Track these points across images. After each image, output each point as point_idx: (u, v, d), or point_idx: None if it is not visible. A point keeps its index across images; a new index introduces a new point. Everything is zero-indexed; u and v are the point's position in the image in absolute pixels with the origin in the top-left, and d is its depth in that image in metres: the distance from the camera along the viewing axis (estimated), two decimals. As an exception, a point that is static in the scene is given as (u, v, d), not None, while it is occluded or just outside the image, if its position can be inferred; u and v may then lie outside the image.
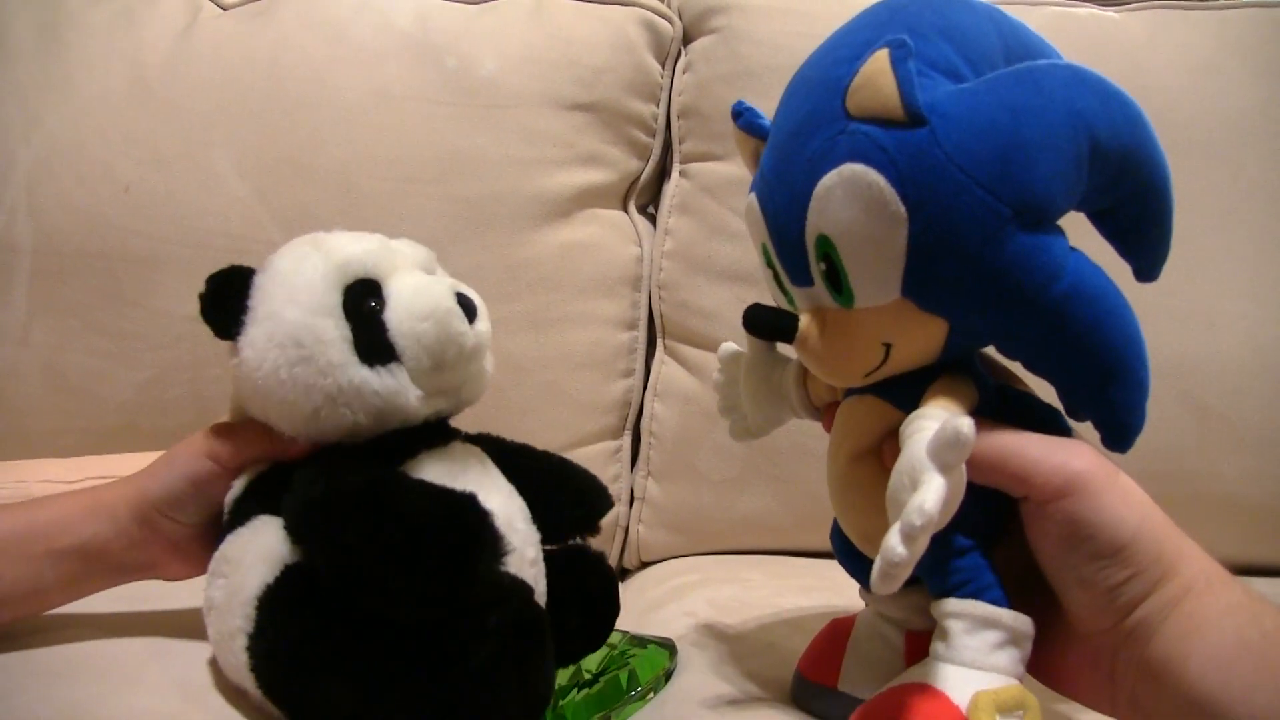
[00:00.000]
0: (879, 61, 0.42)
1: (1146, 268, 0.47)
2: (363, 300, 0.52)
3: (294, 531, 0.50)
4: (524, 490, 0.57)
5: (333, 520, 0.47)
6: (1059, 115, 0.41)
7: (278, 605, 0.49)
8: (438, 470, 0.53)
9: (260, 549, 0.51)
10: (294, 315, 0.50)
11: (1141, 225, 0.45)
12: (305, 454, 0.53)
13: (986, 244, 0.41)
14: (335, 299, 0.51)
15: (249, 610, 0.49)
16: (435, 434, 0.56)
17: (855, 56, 0.44)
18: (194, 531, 0.57)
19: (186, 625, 0.61)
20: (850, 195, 0.42)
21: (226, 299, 0.53)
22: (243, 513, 0.54)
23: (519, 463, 0.59)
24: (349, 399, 0.51)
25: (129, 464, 0.76)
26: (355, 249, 0.53)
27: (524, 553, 0.53)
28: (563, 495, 0.60)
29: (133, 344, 0.88)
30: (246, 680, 0.50)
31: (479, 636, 0.48)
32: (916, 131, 0.41)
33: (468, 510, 0.48)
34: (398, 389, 0.51)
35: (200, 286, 0.56)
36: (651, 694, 0.60)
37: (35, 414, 0.89)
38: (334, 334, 0.50)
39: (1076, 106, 0.41)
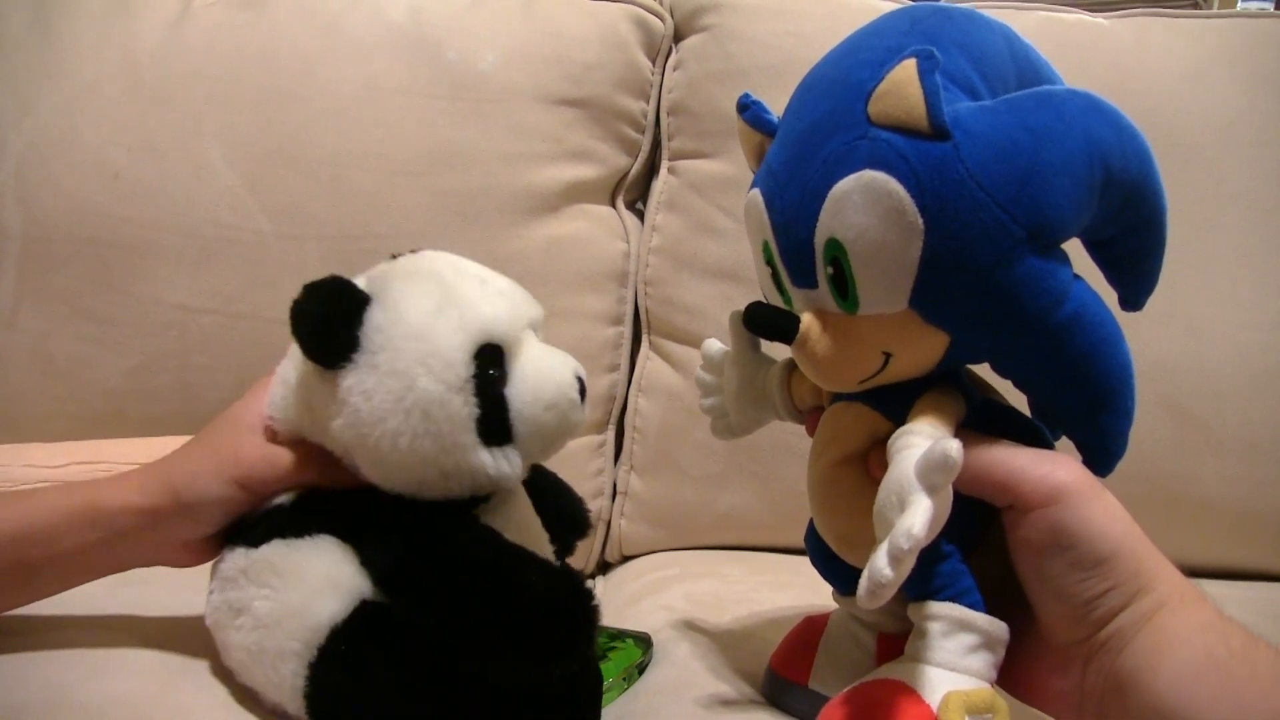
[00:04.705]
0: (906, 70, 0.42)
1: (1133, 297, 0.48)
2: (489, 370, 0.49)
3: (391, 579, 0.49)
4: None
5: (443, 581, 0.47)
6: (1078, 142, 0.41)
7: (353, 641, 0.48)
8: (504, 516, 0.53)
9: (326, 574, 0.50)
10: (429, 387, 0.47)
11: (1136, 256, 0.46)
12: (360, 485, 0.51)
13: (998, 263, 0.41)
14: (468, 372, 0.48)
15: (313, 637, 0.48)
16: None
17: (879, 62, 0.44)
18: (208, 535, 0.54)
19: (162, 609, 0.61)
20: (868, 202, 0.42)
21: (334, 325, 0.48)
22: (296, 525, 0.52)
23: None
24: (461, 476, 0.49)
25: (112, 450, 0.77)
26: (490, 311, 0.50)
27: None
28: (562, 520, 0.61)
29: (120, 330, 0.88)
30: (289, 701, 0.49)
31: (564, 701, 0.49)
32: (940, 145, 0.41)
33: (585, 593, 0.48)
34: (509, 473, 0.50)
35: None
36: (625, 686, 0.61)
37: (22, 399, 0.89)
38: (464, 413, 0.48)
39: (1094, 135, 0.41)
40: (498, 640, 0.47)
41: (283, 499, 0.53)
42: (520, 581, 0.47)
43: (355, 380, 0.48)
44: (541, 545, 0.56)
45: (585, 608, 0.48)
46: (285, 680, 0.49)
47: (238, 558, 0.52)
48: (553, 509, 0.60)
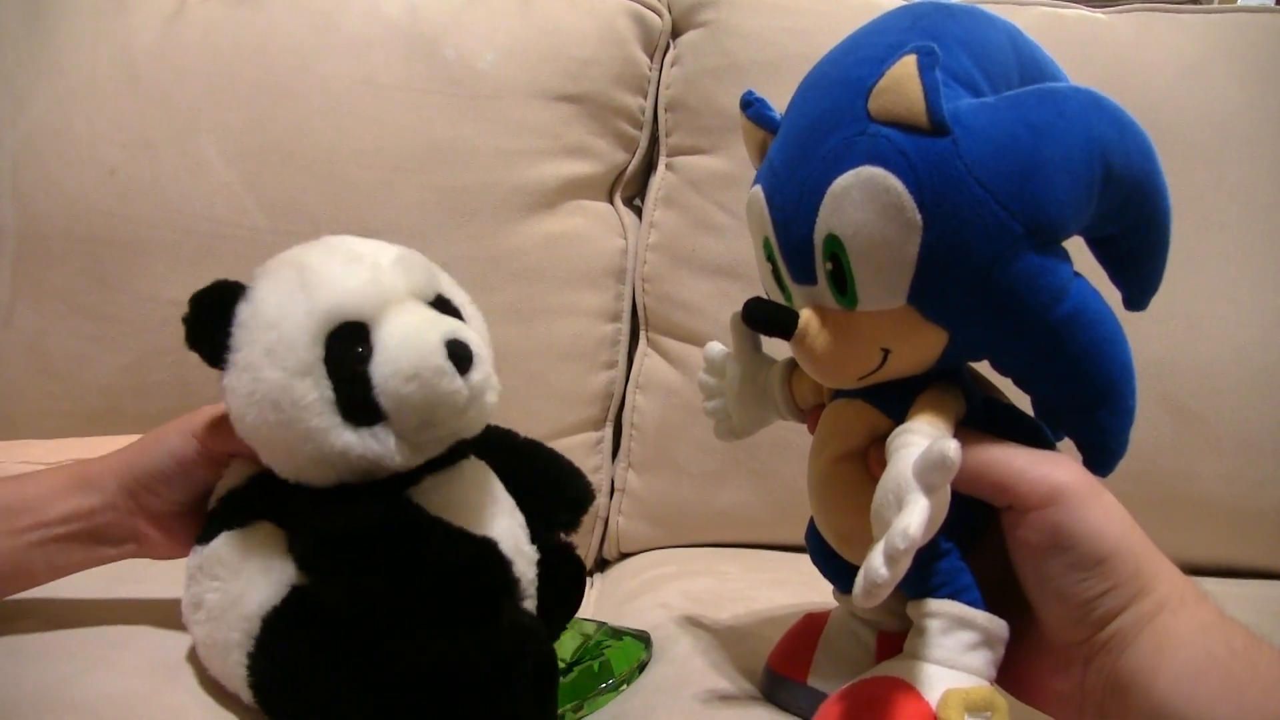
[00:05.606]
0: (906, 66, 0.42)
1: (1137, 296, 0.47)
2: (347, 352, 0.48)
3: (307, 564, 0.49)
4: (513, 487, 0.56)
5: (352, 561, 0.47)
6: (1078, 139, 0.41)
7: (284, 629, 0.48)
8: (443, 496, 0.52)
9: (261, 561, 0.50)
10: (272, 376, 0.47)
11: (1139, 255, 0.46)
12: None
13: (996, 260, 0.41)
14: (317, 354, 0.47)
15: (249, 626, 0.49)
16: (442, 457, 0.53)
17: (879, 59, 0.43)
18: (178, 509, 0.56)
19: (155, 608, 0.61)
20: (866, 198, 0.42)
21: (209, 326, 0.49)
22: (240, 511, 0.53)
23: (508, 458, 0.58)
24: (333, 461, 0.48)
25: (109, 447, 0.77)
26: (342, 287, 0.49)
27: (526, 574, 0.53)
28: (551, 495, 0.59)
29: (116, 327, 0.88)
30: (243, 691, 0.50)
31: (505, 681, 0.48)
32: (939, 141, 0.41)
33: (491, 559, 0.48)
34: (382, 452, 0.48)
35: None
36: (625, 685, 0.61)
37: (18, 396, 0.89)
38: (313, 396, 0.47)
39: (1095, 133, 0.41)
40: (403, 612, 0.46)
41: (233, 484, 0.55)
42: (421, 551, 0.46)
43: (227, 379, 0.49)
44: (490, 522, 0.53)
45: (490, 572, 0.48)
46: (234, 671, 0.50)
47: (197, 554, 0.53)
48: (546, 484, 0.59)
